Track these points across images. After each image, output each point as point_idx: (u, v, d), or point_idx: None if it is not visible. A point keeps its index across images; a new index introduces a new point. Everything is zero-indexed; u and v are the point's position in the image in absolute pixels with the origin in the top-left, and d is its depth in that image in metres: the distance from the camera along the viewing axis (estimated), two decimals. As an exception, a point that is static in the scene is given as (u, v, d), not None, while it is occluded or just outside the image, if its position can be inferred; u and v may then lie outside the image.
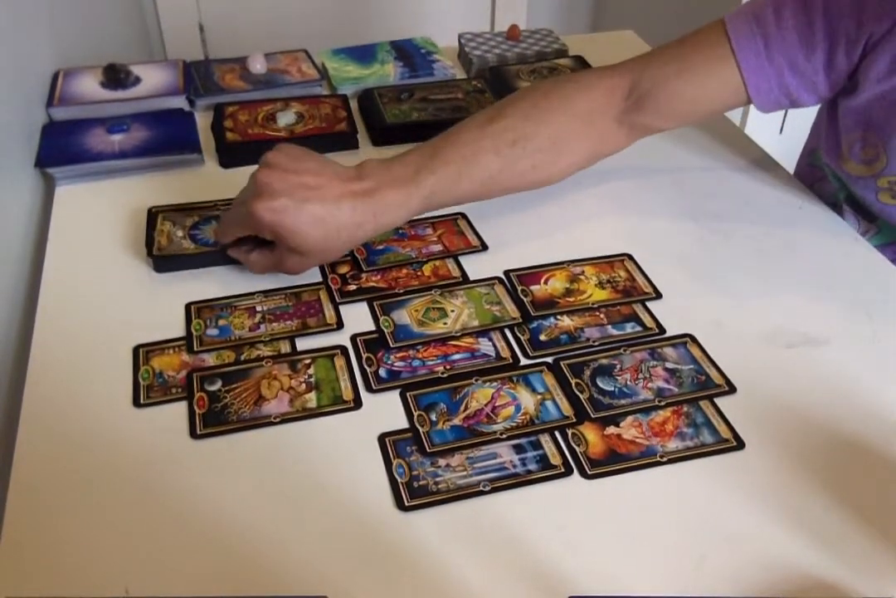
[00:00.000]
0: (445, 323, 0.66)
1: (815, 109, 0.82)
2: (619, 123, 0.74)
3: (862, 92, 0.70)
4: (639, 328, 0.65)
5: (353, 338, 0.64)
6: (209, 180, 0.82)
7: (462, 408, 0.59)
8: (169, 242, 0.72)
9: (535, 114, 0.71)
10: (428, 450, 0.55)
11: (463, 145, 0.68)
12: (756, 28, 0.69)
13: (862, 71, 0.69)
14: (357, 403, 0.59)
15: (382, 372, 0.61)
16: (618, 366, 0.62)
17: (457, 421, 0.57)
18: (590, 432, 0.57)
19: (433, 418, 0.58)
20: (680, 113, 0.75)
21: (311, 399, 0.59)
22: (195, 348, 0.63)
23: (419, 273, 0.71)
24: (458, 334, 0.64)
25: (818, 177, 0.85)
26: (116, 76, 0.92)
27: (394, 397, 0.59)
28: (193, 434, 0.57)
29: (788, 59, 0.69)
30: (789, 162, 0.88)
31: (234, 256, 0.69)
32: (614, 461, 0.55)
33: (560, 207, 0.79)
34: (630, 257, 0.73)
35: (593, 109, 0.73)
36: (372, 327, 0.65)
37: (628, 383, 0.61)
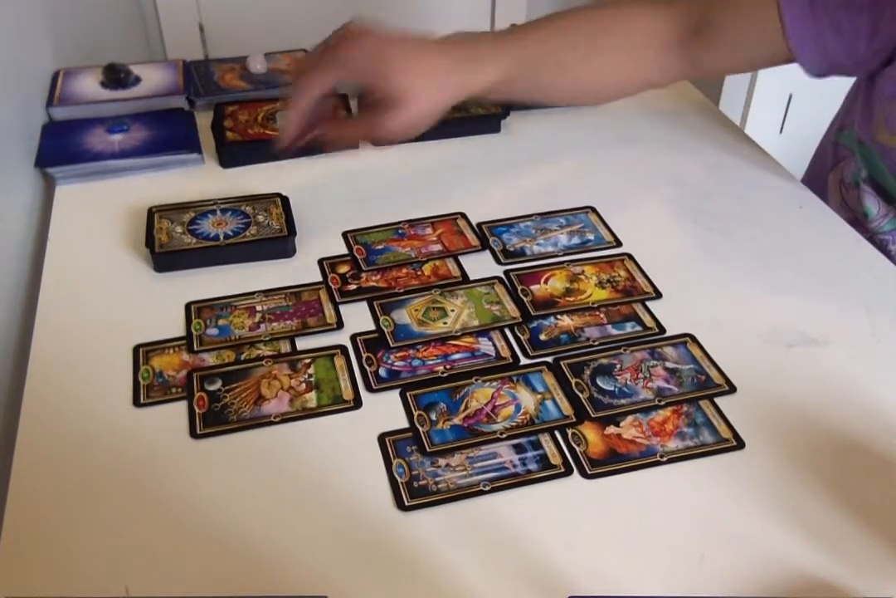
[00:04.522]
0: (445, 323, 0.66)
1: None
2: (672, 51, 0.75)
3: None
4: (639, 328, 0.65)
5: (353, 338, 0.64)
6: (209, 180, 0.82)
7: (462, 408, 0.58)
8: (169, 239, 0.72)
9: (595, 26, 0.75)
10: (428, 450, 0.55)
11: (543, 33, 0.73)
12: None
13: None
14: (357, 402, 0.59)
15: (382, 372, 0.61)
16: (618, 366, 0.62)
17: (457, 421, 0.57)
18: (590, 432, 0.57)
19: (433, 417, 0.58)
20: (725, 52, 0.75)
21: (311, 399, 0.59)
22: (195, 348, 0.63)
23: (419, 273, 0.71)
24: (458, 334, 0.64)
25: (842, 156, 0.84)
26: (116, 76, 0.92)
27: (394, 397, 0.59)
28: (193, 434, 0.57)
29: (832, 18, 0.68)
30: (789, 162, 0.88)
31: (328, 134, 0.66)
32: (614, 461, 0.55)
33: (560, 207, 0.79)
34: (630, 257, 0.73)
35: (652, 33, 0.75)
36: (372, 327, 0.65)
37: (628, 382, 0.61)
